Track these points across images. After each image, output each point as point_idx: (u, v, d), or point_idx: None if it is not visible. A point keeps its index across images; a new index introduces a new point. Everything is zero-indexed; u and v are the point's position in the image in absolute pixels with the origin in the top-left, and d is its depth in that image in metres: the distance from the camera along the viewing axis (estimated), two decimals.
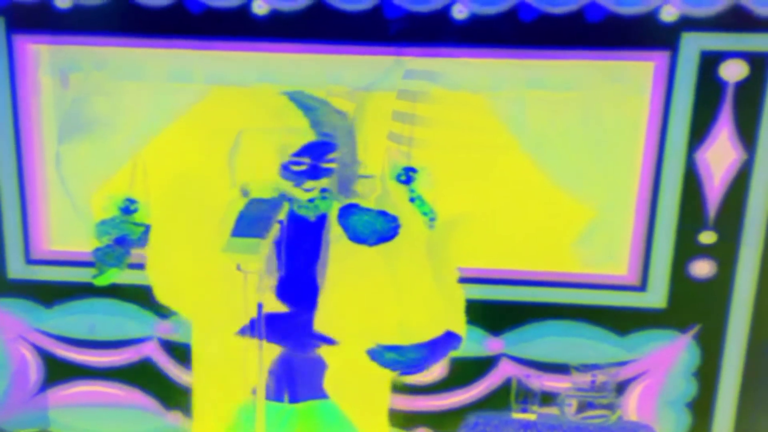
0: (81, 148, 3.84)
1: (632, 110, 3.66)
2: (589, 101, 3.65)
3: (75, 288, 3.98)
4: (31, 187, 3.89)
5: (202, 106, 3.70)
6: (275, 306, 3.33)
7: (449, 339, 3.59)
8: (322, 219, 3.37)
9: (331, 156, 3.30)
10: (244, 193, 3.29)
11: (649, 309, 3.87)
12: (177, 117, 3.72)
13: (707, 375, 3.95)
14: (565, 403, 3.86)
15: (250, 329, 3.22)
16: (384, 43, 3.57)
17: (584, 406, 3.84)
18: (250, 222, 3.08)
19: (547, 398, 3.93)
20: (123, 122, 3.79)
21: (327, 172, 3.29)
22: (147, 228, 3.79)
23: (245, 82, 3.69)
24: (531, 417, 3.88)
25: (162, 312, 4.00)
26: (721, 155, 3.65)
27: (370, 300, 3.43)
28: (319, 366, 3.40)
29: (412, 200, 3.58)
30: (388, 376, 3.58)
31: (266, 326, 3.22)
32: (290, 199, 3.33)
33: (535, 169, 3.70)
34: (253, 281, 3.16)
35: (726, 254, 3.78)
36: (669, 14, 3.47)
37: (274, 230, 3.11)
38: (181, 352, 4.04)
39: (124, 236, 3.76)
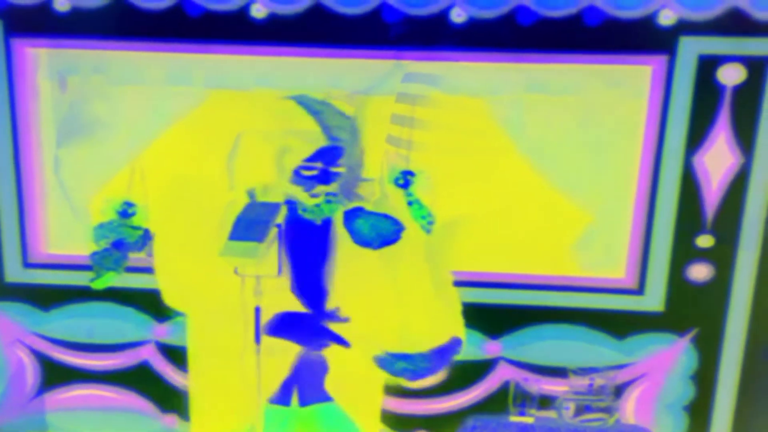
0: (79, 152, 3.83)
1: (630, 114, 3.66)
2: (587, 105, 3.66)
3: (72, 291, 3.97)
4: (28, 191, 3.89)
5: (201, 109, 3.70)
6: (284, 305, 3.33)
7: (455, 344, 3.60)
8: (327, 222, 3.37)
9: (340, 160, 3.30)
10: (251, 197, 3.29)
11: (646, 312, 3.87)
12: (175, 120, 3.72)
13: (705, 378, 3.95)
14: (563, 407, 3.87)
15: (270, 330, 3.24)
16: (383, 47, 3.57)
17: (582, 410, 3.85)
18: (247, 225, 3.08)
19: (545, 401, 3.93)
20: (121, 126, 3.79)
21: (336, 176, 3.30)
22: (145, 232, 3.79)
23: (244, 86, 3.69)
24: (529, 420, 3.89)
25: (159, 315, 4.00)
26: (718, 159, 3.65)
27: (375, 303, 3.44)
28: (325, 368, 3.41)
29: (410, 204, 3.58)
30: (388, 378, 3.58)
31: (280, 324, 3.24)
32: (293, 203, 3.33)
33: (533, 172, 3.70)
34: (250, 285, 3.16)
35: (724, 258, 3.79)
36: (667, 18, 3.47)
37: (272, 234, 3.11)
38: (178, 356, 4.03)
39: (122, 240, 3.76)
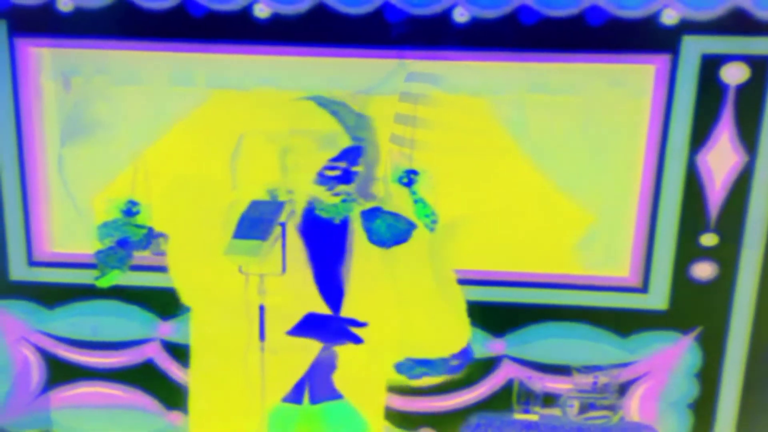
0: (83, 151, 3.84)
1: (633, 113, 3.66)
2: (590, 104, 3.66)
3: (77, 290, 3.98)
4: (33, 190, 3.90)
5: (204, 109, 3.70)
6: (289, 303, 3.33)
7: (469, 351, 3.61)
8: (345, 221, 3.37)
9: (360, 160, 3.31)
10: (273, 197, 3.29)
11: (650, 311, 3.87)
12: (179, 120, 3.73)
13: (709, 376, 3.95)
14: (567, 405, 3.87)
15: (296, 330, 3.24)
16: (385, 47, 3.58)
17: (586, 408, 3.85)
18: (251, 224, 3.09)
19: (549, 399, 3.93)
20: (125, 125, 3.79)
21: (356, 175, 3.30)
22: (149, 230, 3.80)
23: (247, 86, 3.69)
24: (533, 418, 3.89)
25: (164, 313, 4.01)
26: (722, 158, 3.65)
27: (382, 301, 3.46)
28: (333, 366, 3.41)
29: (414, 202, 3.58)
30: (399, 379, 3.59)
31: (305, 324, 3.25)
32: (312, 203, 3.33)
33: (536, 171, 3.71)
34: (254, 283, 3.16)
35: (727, 256, 3.78)
36: (670, 17, 3.47)
37: (276, 232, 3.11)
38: (183, 354, 4.04)
39: (126, 238, 3.77)
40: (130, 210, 3.78)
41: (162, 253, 3.86)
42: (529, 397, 3.90)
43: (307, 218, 3.32)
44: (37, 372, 4.15)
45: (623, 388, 3.94)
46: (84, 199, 3.87)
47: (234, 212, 3.18)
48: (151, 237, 3.82)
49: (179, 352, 4.05)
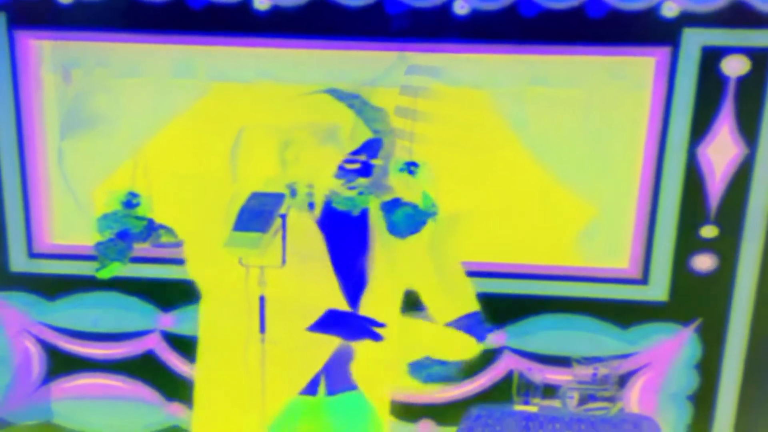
0: (83, 144, 3.85)
1: (633, 106, 3.67)
2: (590, 97, 3.67)
3: (78, 281, 3.99)
4: (33, 182, 3.91)
5: (204, 101, 3.71)
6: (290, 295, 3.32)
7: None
8: (364, 213, 3.37)
9: (380, 152, 3.30)
10: (293, 192, 3.29)
11: (650, 302, 3.88)
12: (179, 112, 3.73)
13: (709, 368, 3.96)
14: (567, 396, 3.87)
15: (318, 326, 3.24)
16: (385, 39, 3.58)
17: (586, 399, 3.85)
18: (251, 216, 3.07)
19: (549, 391, 3.93)
20: (125, 117, 3.80)
21: (374, 168, 3.30)
22: (149, 222, 3.80)
23: (247, 78, 3.70)
24: (533, 409, 3.89)
25: (164, 305, 4.02)
26: (722, 150, 3.65)
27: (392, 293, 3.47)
28: (350, 357, 3.41)
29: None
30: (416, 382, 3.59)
31: (327, 320, 3.25)
32: (329, 195, 3.33)
33: (536, 164, 3.71)
34: (254, 275, 3.16)
35: (727, 248, 3.79)
36: (670, 10, 3.47)
37: (276, 224, 3.11)
38: (183, 345, 4.06)
39: (126, 230, 3.76)
40: (130, 202, 3.77)
41: (162, 245, 3.87)
42: (529, 389, 3.91)
43: (327, 212, 3.31)
44: (37, 363, 4.16)
45: (623, 380, 3.95)
46: (84, 192, 3.88)
47: (234, 205, 3.17)
48: (151, 229, 3.82)
49: (179, 344, 4.06)
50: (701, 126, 3.62)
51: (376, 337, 3.30)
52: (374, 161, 3.27)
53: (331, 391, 3.42)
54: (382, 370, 3.50)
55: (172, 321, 4.05)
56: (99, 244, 3.74)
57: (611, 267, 3.89)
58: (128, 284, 3.97)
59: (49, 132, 3.85)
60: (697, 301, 3.88)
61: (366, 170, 3.26)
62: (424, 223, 3.42)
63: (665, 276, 3.84)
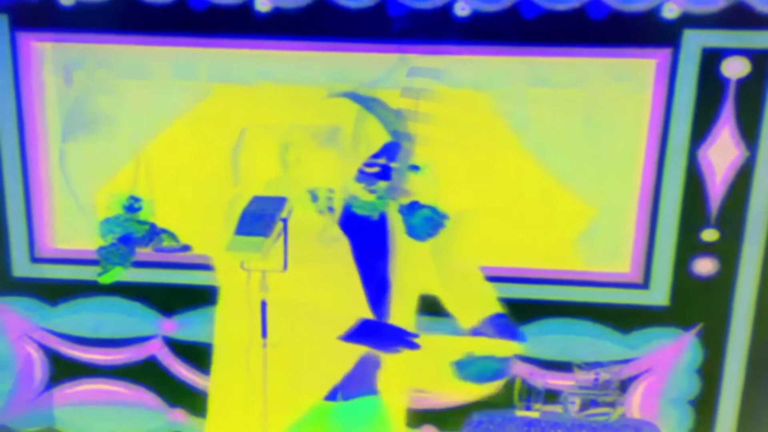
0: (85, 146, 3.86)
1: (634, 107, 3.68)
2: (591, 98, 3.67)
3: (80, 286, 4.00)
4: (35, 186, 3.91)
5: (206, 103, 3.72)
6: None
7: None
8: (383, 217, 3.37)
9: (399, 155, 3.30)
10: (314, 197, 3.29)
11: (651, 307, 3.88)
12: (180, 114, 3.74)
13: (710, 372, 3.95)
14: (569, 401, 3.86)
15: (352, 336, 3.23)
16: (387, 41, 3.59)
17: (587, 404, 3.85)
18: (253, 220, 3.07)
19: (551, 396, 3.93)
20: (126, 119, 3.81)
21: (394, 171, 3.30)
22: (152, 226, 3.81)
23: (248, 80, 3.71)
24: (534, 415, 3.88)
25: (166, 310, 4.02)
26: (723, 153, 3.66)
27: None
28: (372, 363, 3.40)
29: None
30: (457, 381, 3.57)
31: (361, 330, 3.24)
32: (348, 200, 3.32)
33: (537, 166, 3.72)
34: (256, 279, 3.16)
35: (728, 252, 3.79)
36: (671, 11, 3.48)
37: (278, 228, 3.11)
38: (186, 350, 4.06)
39: (129, 234, 3.77)
40: (132, 206, 3.78)
41: (164, 250, 3.87)
42: (530, 394, 3.90)
43: (346, 216, 3.31)
44: (40, 369, 4.16)
45: (624, 385, 3.94)
46: (86, 195, 3.89)
47: (236, 207, 3.17)
48: (153, 233, 3.83)
49: (182, 349, 4.07)
50: (702, 128, 3.63)
51: (413, 346, 3.29)
52: (393, 164, 3.27)
53: (347, 396, 3.41)
54: (404, 375, 3.50)
55: (175, 326, 4.05)
56: (101, 248, 3.75)
57: (612, 271, 3.89)
58: (130, 289, 3.97)
59: (50, 134, 3.86)
60: (699, 306, 3.87)
61: (385, 173, 3.26)
62: (442, 225, 3.42)
63: (666, 280, 3.84)
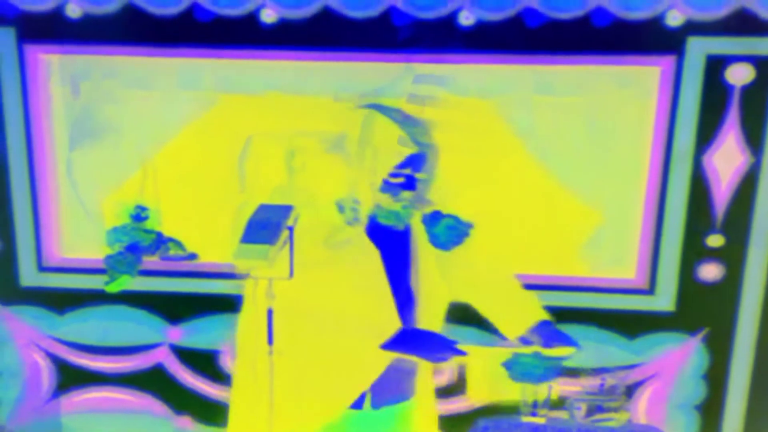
0: (91, 156, 3.87)
1: (639, 114, 3.68)
2: (595, 106, 3.68)
3: (87, 295, 4.00)
4: (42, 195, 3.92)
5: (211, 113, 3.72)
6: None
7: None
8: (408, 227, 3.37)
9: (424, 166, 3.30)
10: (341, 208, 3.29)
11: (657, 312, 3.88)
12: (186, 125, 3.75)
13: (716, 378, 3.95)
14: (575, 407, 3.86)
15: (392, 345, 3.23)
16: (391, 50, 3.60)
17: (593, 410, 3.84)
18: (259, 228, 3.07)
19: (557, 402, 3.93)
20: (133, 130, 3.82)
21: (419, 182, 3.30)
22: (158, 235, 3.82)
23: (254, 90, 3.72)
24: (540, 421, 3.88)
25: (173, 318, 4.03)
26: (728, 158, 3.66)
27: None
28: (406, 370, 3.40)
29: None
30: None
31: (403, 340, 3.24)
32: (374, 210, 3.32)
33: (542, 173, 3.72)
34: (263, 287, 3.16)
35: (734, 257, 3.79)
36: (675, 19, 3.49)
37: (284, 236, 3.11)
38: (192, 358, 4.07)
39: (136, 243, 3.78)
40: (139, 215, 3.80)
41: (171, 258, 3.88)
42: (536, 400, 3.90)
43: (372, 226, 3.31)
44: (47, 377, 4.17)
45: (630, 390, 3.94)
46: (93, 204, 3.90)
47: (242, 215, 3.17)
48: (160, 242, 3.84)
49: (188, 357, 4.07)
50: (707, 134, 3.63)
51: (461, 353, 3.30)
52: (418, 175, 3.27)
53: (378, 405, 3.40)
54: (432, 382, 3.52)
55: (181, 334, 4.06)
56: (108, 257, 3.77)
57: (617, 277, 3.89)
58: (137, 297, 3.98)
59: (58, 144, 3.87)
60: (704, 311, 3.87)
61: (410, 184, 3.26)
62: (466, 234, 3.42)
63: (672, 286, 3.84)
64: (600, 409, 3.85)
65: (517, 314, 3.48)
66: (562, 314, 3.82)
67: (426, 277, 3.37)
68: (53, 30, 3.68)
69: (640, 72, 3.63)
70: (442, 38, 3.56)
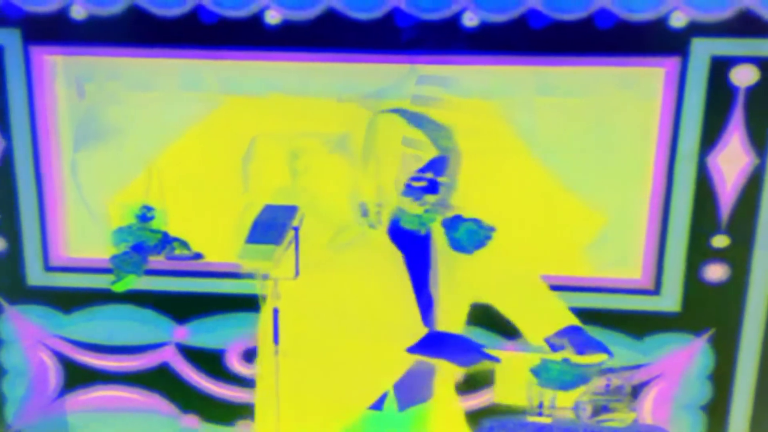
0: (96, 157, 3.88)
1: (643, 116, 3.67)
2: (599, 107, 3.67)
3: (93, 294, 4.02)
4: (49, 195, 3.93)
5: (215, 114, 3.73)
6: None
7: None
8: (429, 231, 3.37)
9: (446, 170, 3.30)
10: (364, 212, 3.29)
11: (663, 313, 3.88)
12: (191, 125, 3.76)
13: (722, 378, 3.95)
14: (580, 407, 3.86)
15: (419, 348, 3.23)
16: (395, 52, 3.60)
17: (599, 410, 3.84)
18: (264, 228, 3.08)
19: (563, 401, 3.93)
20: (137, 131, 3.83)
21: (442, 186, 3.29)
22: (164, 235, 3.82)
23: (258, 92, 3.72)
24: (546, 421, 3.88)
25: (179, 317, 4.04)
26: (733, 159, 3.65)
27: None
28: (429, 371, 3.40)
29: None
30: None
31: (430, 343, 3.24)
32: (396, 213, 3.32)
33: (546, 174, 3.72)
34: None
35: (739, 258, 3.79)
36: (679, 20, 3.48)
37: (289, 236, 3.11)
38: (198, 357, 4.08)
39: (141, 243, 3.79)
40: (145, 215, 3.80)
41: (176, 258, 3.89)
42: (542, 400, 3.90)
43: (394, 230, 3.31)
44: (53, 376, 4.18)
45: (636, 391, 3.93)
46: (98, 204, 3.91)
47: (247, 215, 3.18)
48: (165, 242, 3.84)
49: (194, 356, 4.08)
50: (711, 135, 3.63)
51: (493, 359, 3.29)
52: (440, 179, 3.27)
53: (403, 406, 3.40)
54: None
55: (187, 333, 4.07)
56: (114, 257, 3.77)
57: (623, 277, 3.89)
58: (143, 297, 3.99)
59: (63, 145, 3.88)
60: (710, 311, 3.87)
61: (433, 188, 3.26)
62: (489, 237, 3.41)
63: (677, 286, 3.84)
64: (605, 409, 3.84)
65: (543, 318, 3.47)
66: None
67: (445, 280, 3.36)
68: (58, 31, 3.69)
69: (644, 73, 3.62)
70: (445, 39, 3.56)
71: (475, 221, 3.39)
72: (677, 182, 3.70)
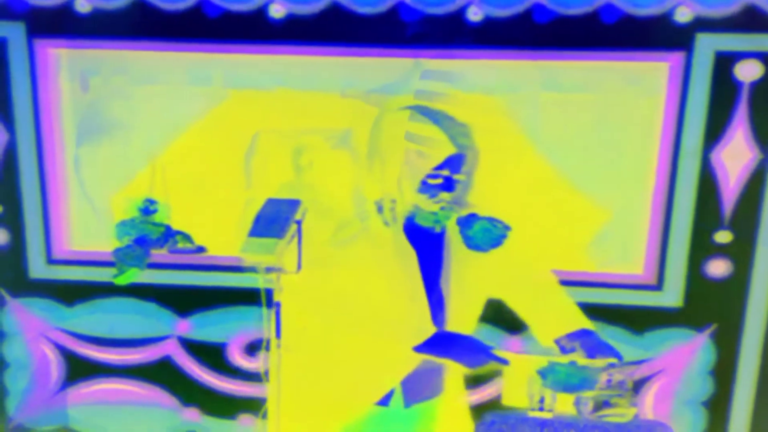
0: (100, 151, 3.89)
1: (647, 111, 3.68)
2: (604, 102, 3.68)
3: (96, 287, 4.03)
4: (52, 189, 3.94)
5: (220, 109, 3.73)
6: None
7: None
8: (444, 229, 3.36)
9: (463, 168, 3.28)
10: (379, 208, 3.28)
11: (665, 308, 3.88)
12: (195, 120, 3.76)
13: (723, 374, 3.95)
14: (582, 402, 3.87)
15: (427, 348, 3.23)
16: (400, 46, 3.60)
17: (601, 405, 3.84)
18: (267, 222, 3.07)
19: (565, 396, 3.93)
20: (141, 125, 3.84)
21: (458, 183, 3.28)
22: (167, 228, 3.82)
23: (263, 85, 3.72)
24: (547, 416, 3.88)
25: (181, 311, 4.04)
26: (736, 155, 3.66)
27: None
28: (437, 368, 3.40)
29: None
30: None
31: (437, 343, 3.23)
32: (412, 211, 3.31)
33: (550, 169, 3.72)
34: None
35: (742, 253, 3.79)
36: (683, 15, 3.48)
37: (292, 230, 3.11)
38: (200, 351, 4.08)
39: (144, 237, 3.79)
40: (148, 209, 3.80)
41: (179, 251, 3.89)
42: (544, 395, 3.91)
43: (409, 227, 3.30)
44: (55, 369, 4.19)
45: (638, 386, 3.94)
46: (101, 198, 3.92)
47: (250, 209, 3.17)
48: (168, 235, 3.84)
49: (196, 349, 4.09)
50: (715, 131, 3.63)
51: (503, 362, 3.28)
52: (457, 176, 3.26)
53: (409, 403, 3.40)
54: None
55: (189, 327, 4.07)
56: (117, 250, 3.77)
57: (625, 273, 3.89)
58: (146, 290, 4.00)
59: (66, 139, 3.89)
60: (712, 307, 3.87)
61: (449, 185, 3.23)
62: (504, 236, 3.39)
63: (680, 282, 3.84)
64: (607, 404, 3.85)
65: (554, 317, 3.45)
66: None
67: (458, 279, 3.36)
68: (63, 25, 3.70)
69: (648, 68, 3.63)
70: (450, 34, 3.57)
71: (490, 219, 3.37)
72: (680, 177, 3.71)
